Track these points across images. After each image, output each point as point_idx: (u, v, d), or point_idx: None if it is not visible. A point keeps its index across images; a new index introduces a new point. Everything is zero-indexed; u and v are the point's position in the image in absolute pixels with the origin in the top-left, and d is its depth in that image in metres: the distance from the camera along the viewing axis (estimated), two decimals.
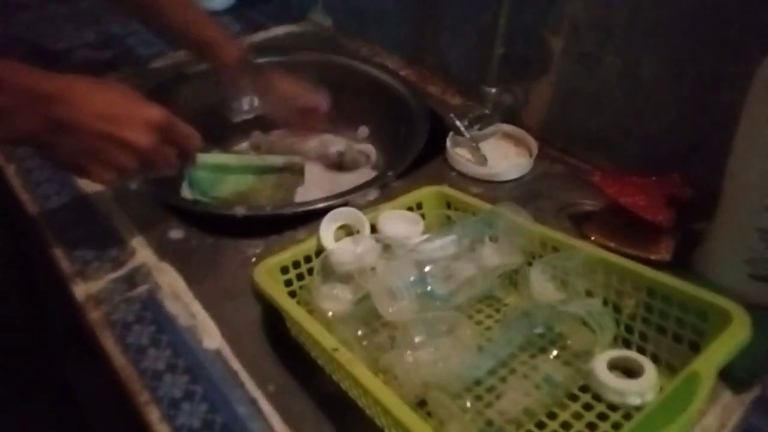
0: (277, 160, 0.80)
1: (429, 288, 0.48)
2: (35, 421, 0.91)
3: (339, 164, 0.87)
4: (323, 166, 0.87)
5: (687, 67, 0.59)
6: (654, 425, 0.34)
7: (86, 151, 0.47)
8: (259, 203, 0.76)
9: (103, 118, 0.46)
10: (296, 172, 0.80)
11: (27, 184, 0.68)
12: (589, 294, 0.49)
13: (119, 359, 0.48)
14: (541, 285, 0.50)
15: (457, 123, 0.70)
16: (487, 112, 0.72)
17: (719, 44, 0.56)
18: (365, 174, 0.84)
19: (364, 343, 0.48)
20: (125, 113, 0.47)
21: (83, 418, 0.98)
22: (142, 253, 0.59)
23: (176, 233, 0.61)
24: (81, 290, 0.55)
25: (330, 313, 0.51)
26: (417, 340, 0.45)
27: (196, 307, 0.53)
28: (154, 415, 0.44)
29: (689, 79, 0.59)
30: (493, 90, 0.71)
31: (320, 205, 0.63)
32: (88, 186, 0.68)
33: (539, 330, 0.47)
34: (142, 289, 0.55)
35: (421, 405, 0.43)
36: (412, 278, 0.47)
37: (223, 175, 0.76)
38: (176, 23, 0.72)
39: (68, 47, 1.01)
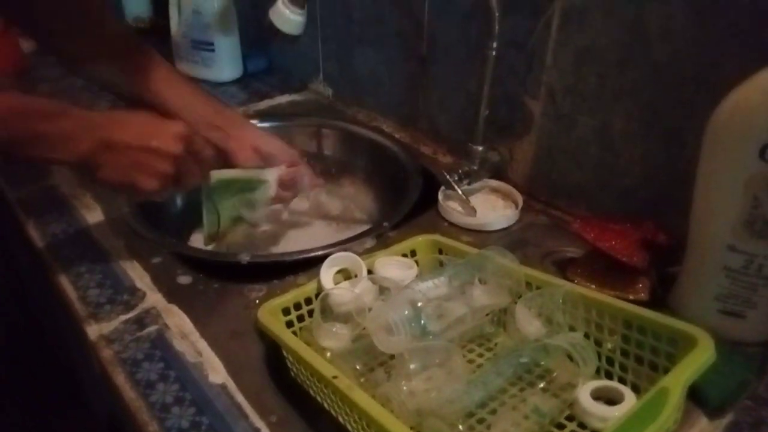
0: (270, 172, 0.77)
1: (423, 323, 0.51)
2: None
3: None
4: (321, 221, 0.92)
5: (653, 126, 0.65)
6: None
7: (131, 164, 0.58)
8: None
9: (140, 135, 0.58)
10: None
11: (39, 225, 0.73)
12: (571, 329, 0.52)
13: (129, 393, 0.51)
14: (528, 321, 0.53)
15: (448, 178, 0.75)
16: (475, 168, 0.78)
17: (679, 104, 0.62)
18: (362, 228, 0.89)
19: (362, 380, 0.51)
20: (156, 129, 0.60)
21: None
22: (152, 297, 0.62)
23: (184, 279, 0.65)
24: (94, 330, 0.58)
25: (329, 354, 0.54)
26: (412, 367, 0.48)
27: (203, 345, 0.56)
28: None
29: (655, 136, 0.66)
30: (480, 148, 0.77)
31: (320, 252, 0.67)
32: (103, 237, 0.72)
33: (525, 360, 0.50)
34: (151, 329, 0.58)
35: None
36: (406, 312, 0.51)
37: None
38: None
39: None
